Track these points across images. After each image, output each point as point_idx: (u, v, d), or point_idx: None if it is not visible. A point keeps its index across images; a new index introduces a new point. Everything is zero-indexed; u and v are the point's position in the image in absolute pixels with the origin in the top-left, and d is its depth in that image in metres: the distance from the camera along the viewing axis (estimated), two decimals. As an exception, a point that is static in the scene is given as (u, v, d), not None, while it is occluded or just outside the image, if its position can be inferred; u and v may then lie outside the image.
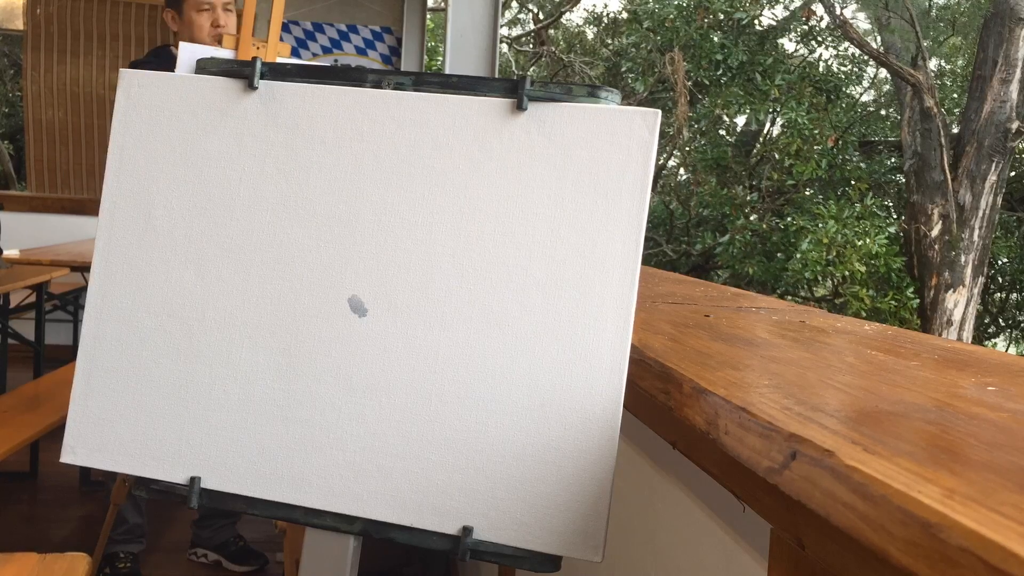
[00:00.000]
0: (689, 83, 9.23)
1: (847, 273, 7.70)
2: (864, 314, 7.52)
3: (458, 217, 0.71)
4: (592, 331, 0.69)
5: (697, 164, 9.96)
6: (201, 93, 0.76)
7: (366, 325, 0.73)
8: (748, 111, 9.34)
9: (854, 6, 11.27)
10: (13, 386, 3.20)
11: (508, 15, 11.88)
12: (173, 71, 2.00)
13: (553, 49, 11.22)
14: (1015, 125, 7.47)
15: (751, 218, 9.26)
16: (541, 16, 11.82)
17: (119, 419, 0.75)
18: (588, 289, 0.69)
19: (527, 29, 12.02)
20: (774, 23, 10.29)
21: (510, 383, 0.70)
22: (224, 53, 1.95)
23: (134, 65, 2.44)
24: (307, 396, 0.74)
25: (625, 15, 10.88)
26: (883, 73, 10.57)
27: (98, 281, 0.76)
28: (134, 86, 0.77)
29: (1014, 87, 7.48)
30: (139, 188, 0.76)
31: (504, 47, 11.10)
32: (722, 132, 10.29)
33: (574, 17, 12.28)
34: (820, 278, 8.53)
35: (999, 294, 10.31)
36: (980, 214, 7.65)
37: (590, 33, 12.12)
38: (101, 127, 5.59)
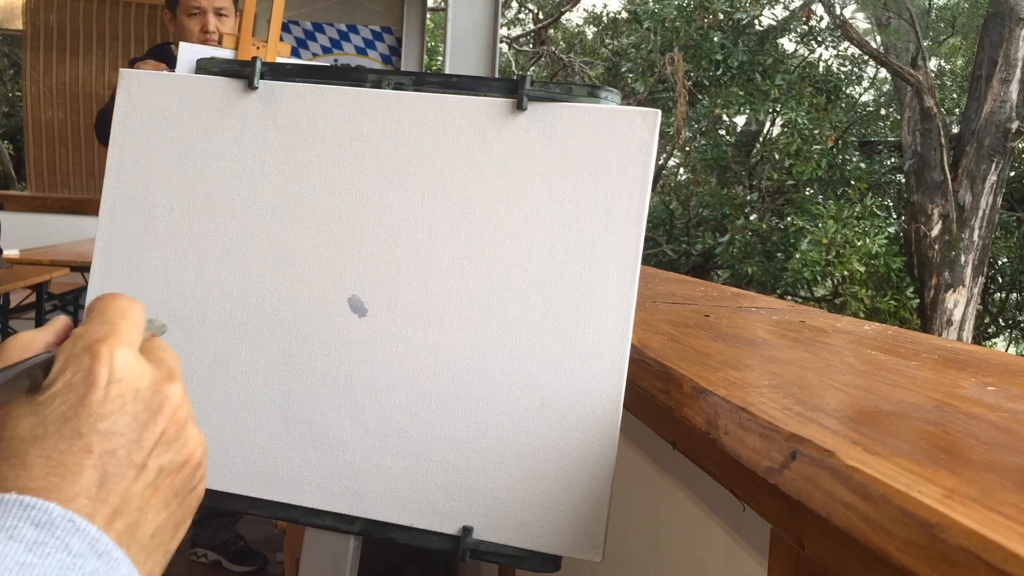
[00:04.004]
0: (689, 83, 9.23)
1: (847, 273, 7.70)
2: (863, 314, 7.52)
3: (458, 217, 0.71)
4: (592, 331, 0.69)
5: (697, 164, 9.96)
6: (201, 93, 0.76)
7: (366, 325, 0.73)
8: (748, 111, 9.34)
9: (854, 6, 11.27)
10: (13, 386, 3.19)
11: (508, 15, 11.87)
12: (171, 69, 2.00)
13: (553, 49, 11.22)
14: (1015, 125, 7.47)
15: (751, 218, 9.27)
16: (541, 16, 11.82)
17: (119, 419, 0.75)
18: (588, 289, 0.69)
19: (527, 29, 12.02)
20: (774, 23, 10.29)
21: (510, 383, 0.70)
22: (224, 53, 1.96)
23: (133, 63, 2.45)
24: (307, 396, 0.74)
25: (625, 15, 10.88)
26: (883, 73, 10.57)
27: (98, 281, 0.76)
28: (134, 86, 0.77)
29: (1014, 87, 7.48)
30: (139, 188, 0.76)
31: (504, 47, 11.10)
32: (722, 132, 10.29)
33: (574, 17, 12.28)
34: (820, 278, 8.53)
35: (999, 294, 10.31)
36: (980, 214, 7.65)
37: (590, 33, 12.12)
38: (101, 127, 5.58)
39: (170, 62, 2.39)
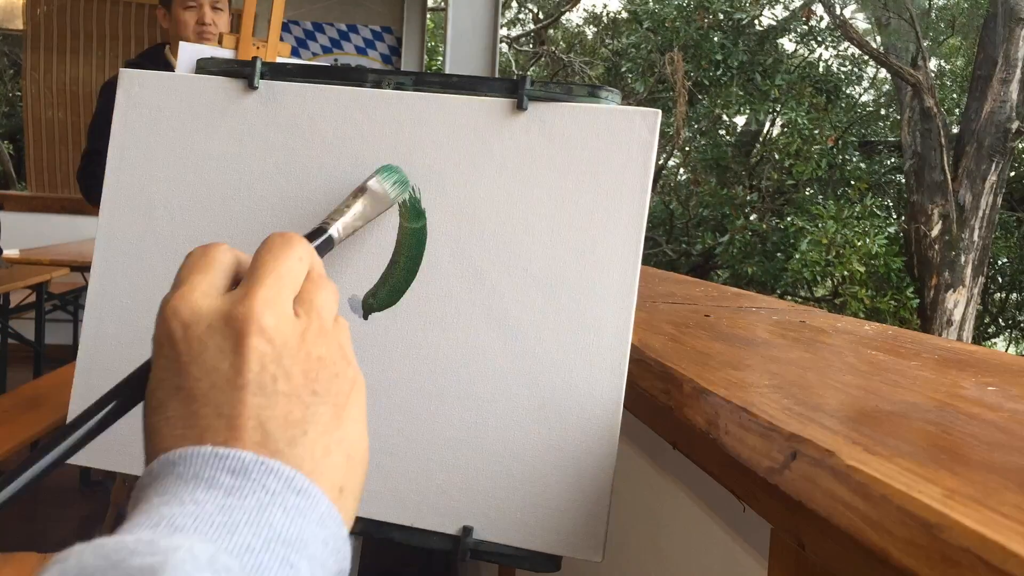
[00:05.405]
0: (689, 83, 9.23)
1: (847, 273, 7.70)
2: (863, 314, 7.52)
3: (458, 217, 0.71)
4: (592, 331, 0.69)
5: (697, 164, 9.97)
6: (201, 93, 0.76)
7: (366, 325, 0.73)
8: (748, 111, 9.35)
9: (854, 6, 11.27)
10: (13, 386, 3.20)
11: (508, 15, 11.88)
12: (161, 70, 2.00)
13: (553, 49, 11.22)
14: (1015, 125, 7.47)
15: (751, 218, 9.27)
16: (541, 16, 11.82)
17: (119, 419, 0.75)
18: (588, 289, 0.69)
19: (527, 29, 12.02)
20: (774, 23, 10.30)
21: (510, 383, 0.70)
22: (224, 53, 1.96)
23: (127, 66, 2.46)
24: (307, 396, 0.74)
25: (625, 15, 10.88)
26: (883, 73, 10.57)
27: (98, 281, 0.76)
28: (134, 86, 0.77)
29: (1014, 87, 7.48)
30: (139, 188, 0.76)
31: (504, 47, 11.10)
32: (722, 132, 10.29)
33: (574, 17, 12.28)
34: (820, 278, 8.53)
35: (999, 294, 10.31)
36: (980, 214, 7.65)
37: (590, 33, 12.12)
38: (101, 127, 5.58)
39: (162, 66, 2.39)
